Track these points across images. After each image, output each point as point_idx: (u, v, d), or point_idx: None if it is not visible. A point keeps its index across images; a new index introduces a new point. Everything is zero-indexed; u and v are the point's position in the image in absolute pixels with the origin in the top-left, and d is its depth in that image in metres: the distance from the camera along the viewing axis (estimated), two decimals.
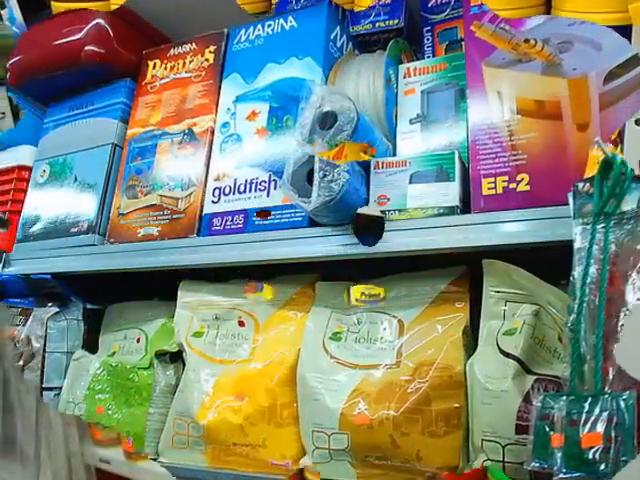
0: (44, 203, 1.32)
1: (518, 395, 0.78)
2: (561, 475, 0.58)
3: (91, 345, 1.28)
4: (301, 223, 0.98)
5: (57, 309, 1.29)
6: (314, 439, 0.91)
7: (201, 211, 1.10)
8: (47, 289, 1.32)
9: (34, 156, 1.39)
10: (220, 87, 1.19)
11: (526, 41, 0.89)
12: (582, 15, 0.87)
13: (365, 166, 0.93)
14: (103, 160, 1.25)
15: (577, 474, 0.58)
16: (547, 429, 0.61)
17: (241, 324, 1.07)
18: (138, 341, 1.20)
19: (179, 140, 1.18)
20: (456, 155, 0.89)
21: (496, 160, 0.87)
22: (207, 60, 1.23)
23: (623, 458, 0.56)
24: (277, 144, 1.06)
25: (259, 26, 1.18)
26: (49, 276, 1.28)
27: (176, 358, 1.13)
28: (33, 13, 1.46)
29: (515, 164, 0.85)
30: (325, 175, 0.85)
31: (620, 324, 0.62)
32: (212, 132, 1.15)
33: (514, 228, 0.81)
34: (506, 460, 0.78)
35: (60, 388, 1.22)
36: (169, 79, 1.26)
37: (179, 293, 1.13)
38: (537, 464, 0.62)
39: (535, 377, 0.80)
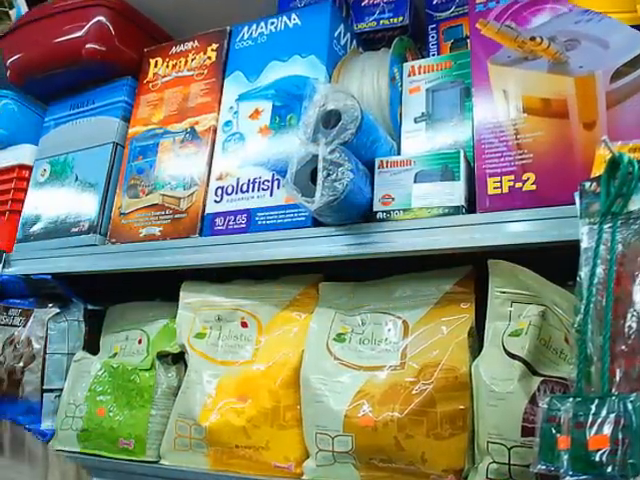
0: (45, 203, 1.31)
1: (524, 397, 0.78)
2: (568, 478, 0.57)
3: (92, 346, 1.27)
4: (305, 223, 0.97)
5: (58, 310, 1.28)
6: (318, 441, 0.90)
7: (203, 211, 1.09)
8: (48, 290, 1.31)
9: (34, 155, 1.38)
10: (222, 85, 1.18)
11: (532, 39, 0.88)
12: None
13: (369, 165, 0.93)
14: (104, 159, 1.24)
15: (584, 477, 0.57)
16: (553, 431, 0.60)
17: (244, 325, 1.06)
18: (140, 342, 1.19)
19: (181, 139, 1.17)
20: (461, 154, 0.88)
21: (502, 159, 0.86)
22: (209, 58, 1.22)
23: (630, 460, 0.55)
24: (280, 143, 1.05)
25: (262, 24, 1.17)
26: (50, 276, 1.27)
27: (178, 359, 1.12)
28: None
29: (521, 163, 0.85)
30: (329, 174, 0.84)
31: (627, 325, 0.61)
32: (214, 131, 1.14)
33: (520, 228, 0.80)
34: (512, 462, 0.77)
35: (61, 389, 1.21)
36: (171, 77, 1.25)
37: (181, 294, 1.13)
38: (543, 466, 0.61)
39: (541, 379, 0.79)
